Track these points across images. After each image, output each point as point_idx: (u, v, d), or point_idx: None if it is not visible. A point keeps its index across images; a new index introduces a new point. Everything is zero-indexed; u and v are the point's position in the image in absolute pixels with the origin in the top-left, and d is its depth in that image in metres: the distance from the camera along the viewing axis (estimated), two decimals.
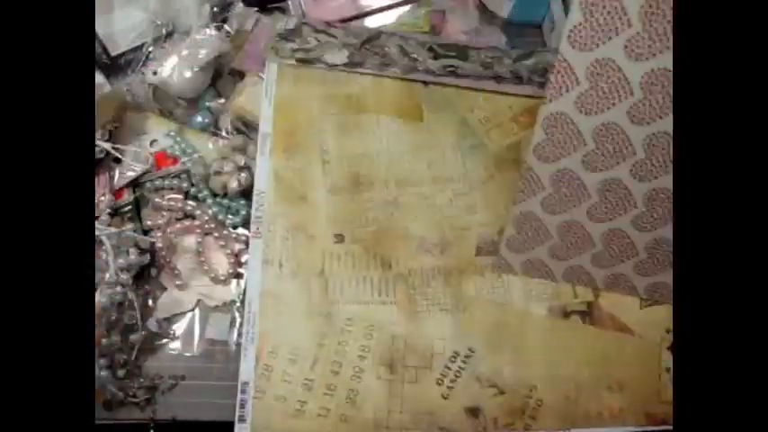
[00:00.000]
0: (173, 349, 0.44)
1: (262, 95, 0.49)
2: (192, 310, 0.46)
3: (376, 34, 0.55)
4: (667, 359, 0.42)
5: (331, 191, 0.46)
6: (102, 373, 0.41)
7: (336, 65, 0.51)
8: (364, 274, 0.44)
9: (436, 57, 0.53)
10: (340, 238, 0.45)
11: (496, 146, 0.50)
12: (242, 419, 0.39)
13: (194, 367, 0.44)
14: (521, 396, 0.41)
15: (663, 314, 0.44)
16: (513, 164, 0.49)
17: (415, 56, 0.53)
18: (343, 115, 0.50)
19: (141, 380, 0.42)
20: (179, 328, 0.45)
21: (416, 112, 0.50)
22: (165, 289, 0.46)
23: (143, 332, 0.43)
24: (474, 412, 0.40)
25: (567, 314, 0.43)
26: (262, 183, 0.46)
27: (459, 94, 0.52)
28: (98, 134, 0.47)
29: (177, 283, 0.46)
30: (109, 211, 0.46)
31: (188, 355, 0.44)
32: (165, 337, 0.44)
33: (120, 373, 0.42)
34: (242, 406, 0.39)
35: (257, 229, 0.44)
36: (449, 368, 0.41)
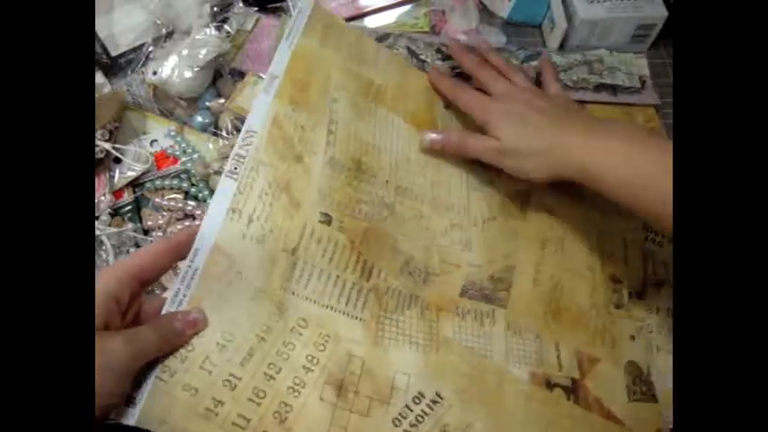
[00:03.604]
0: None
1: (283, 36, 0.44)
2: None
3: (384, 35, 0.54)
4: None
5: (330, 164, 0.41)
6: None
7: (371, 32, 0.48)
8: (339, 273, 0.38)
9: (444, 58, 0.53)
10: (327, 219, 0.39)
11: (506, 189, 0.46)
12: (131, 402, 0.30)
13: None
14: None
15: (653, 412, 0.41)
16: (519, 213, 0.46)
17: (423, 57, 0.52)
18: (360, 98, 0.46)
19: None
20: None
21: (430, 128, 0.47)
22: (165, 289, 0.46)
23: None
24: None
25: (550, 385, 0.39)
26: (256, 122, 0.39)
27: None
28: (98, 134, 0.47)
29: None
30: (109, 211, 0.46)
31: None
32: None
33: None
34: (137, 385, 0.30)
35: (235, 168, 0.37)
36: (410, 409, 0.36)
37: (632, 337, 0.44)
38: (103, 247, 0.43)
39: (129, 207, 0.48)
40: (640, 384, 0.42)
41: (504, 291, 0.42)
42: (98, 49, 0.52)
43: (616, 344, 0.43)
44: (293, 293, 0.36)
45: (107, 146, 0.47)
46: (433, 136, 0.45)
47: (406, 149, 0.45)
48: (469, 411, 0.37)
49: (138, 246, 0.45)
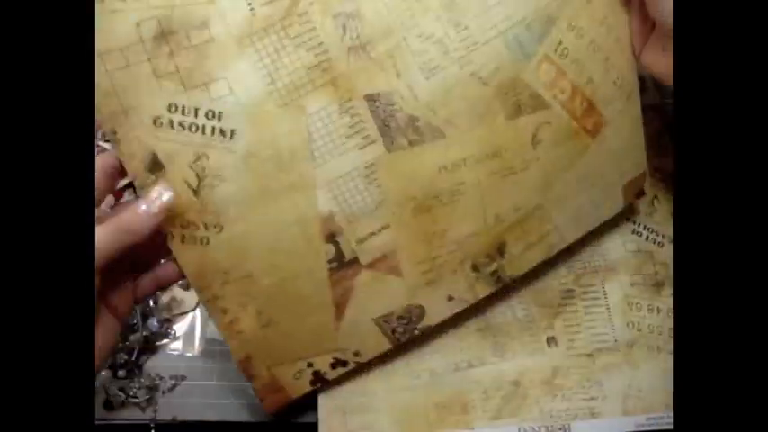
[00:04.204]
0: (174, 349, 0.44)
1: None
2: (194, 309, 0.46)
3: None
4: None
5: None
6: (102, 374, 0.41)
7: None
8: None
9: None
10: None
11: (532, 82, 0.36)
12: None
13: (195, 367, 0.43)
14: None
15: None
16: (514, 108, 0.36)
17: None
18: None
19: (142, 380, 0.42)
20: (180, 327, 0.45)
21: None
22: (165, 288, 0.46)
23: (144, 332, 0.43)
24: None
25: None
26: None
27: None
28: (98, 134, 0.47)
29: (178, 282, 0.46)
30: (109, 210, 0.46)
31: (189, 355, 0.44)
32: (166, 337, 0.44)
33: (121, 373, 0.42)
34: None
35: None
36: None
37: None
38: None
39: None
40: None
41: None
42: None
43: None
44: None
45: (107, 146, 0.47)
46: None
47: None
48: None
49: None
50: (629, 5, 0.38)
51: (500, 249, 0.39)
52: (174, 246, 0.33)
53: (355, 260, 0.36)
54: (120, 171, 0.32)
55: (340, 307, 0.37)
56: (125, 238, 0.29)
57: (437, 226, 0.37)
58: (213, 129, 0.32)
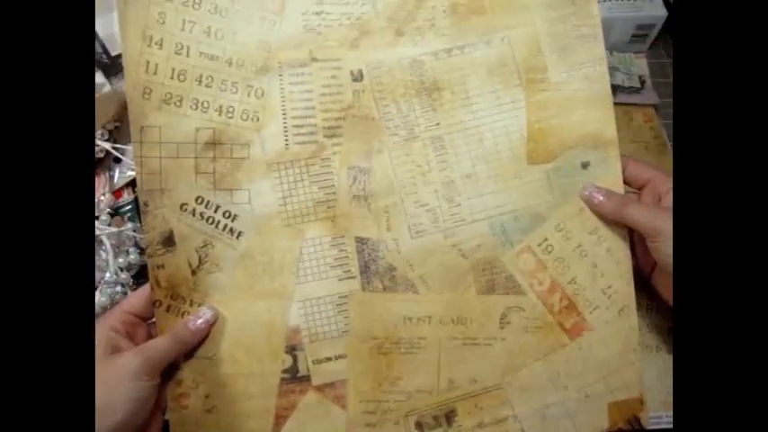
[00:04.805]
0: None
1: None
2: None
3: None
4: None
5: None
6: None
7: None
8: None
9: None
10: None
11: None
12: None
13: None
14: None
15: None
16: (488, 285, 0.39)
17: None
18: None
19: None
20: None
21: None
22: None
23: None
24: None
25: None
26: None
27: None
28: (98, 134, 0.47)
29: None
30: (109, 210, 0.46)
31: None
32: None
33: None
34: None
35: None
36: None
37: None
38: (103, 247, 0.44)
39: (129, 207, 0.48)
40: None
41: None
42: (98, 49, 0.51)
43: None
44: None
45: (107, 146, 0.47)
46: (592, 192, 0.39)
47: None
48: None
49: (137, 245, 0.45)
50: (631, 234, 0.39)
51: (448, 416, 0.39)
52: (159, 312, 0.37)
53: (307, 378, 0.38)
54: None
55: (279, 420, 0.38)
56: (179, 347, 0.36)
57: (391, 371, 0.39)
58: (225, 226, 0.38)
